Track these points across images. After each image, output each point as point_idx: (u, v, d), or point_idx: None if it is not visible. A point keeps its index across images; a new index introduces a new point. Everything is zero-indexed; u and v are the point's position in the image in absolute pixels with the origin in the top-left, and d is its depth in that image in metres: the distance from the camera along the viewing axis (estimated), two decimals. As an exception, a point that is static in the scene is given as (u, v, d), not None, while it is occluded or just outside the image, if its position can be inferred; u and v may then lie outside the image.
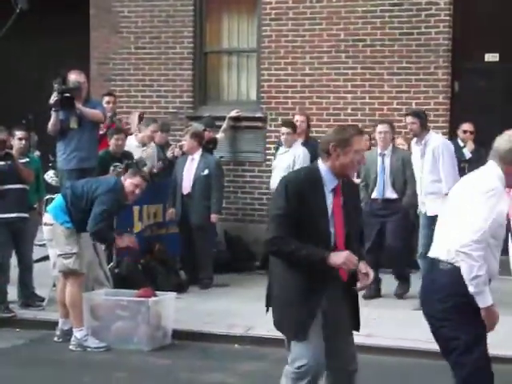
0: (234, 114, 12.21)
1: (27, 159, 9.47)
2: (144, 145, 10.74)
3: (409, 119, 9.25)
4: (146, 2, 12.85)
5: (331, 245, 4.81)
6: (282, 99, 12.27)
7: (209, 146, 11.26)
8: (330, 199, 4.81)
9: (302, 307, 4.79)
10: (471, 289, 4.56)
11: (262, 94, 12.45)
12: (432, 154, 9.01)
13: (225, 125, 12.08)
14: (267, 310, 5.05)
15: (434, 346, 7.45)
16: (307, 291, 4.79)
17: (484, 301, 4.60)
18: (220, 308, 9.19)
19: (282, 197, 4.74)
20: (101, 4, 12.97)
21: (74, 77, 9.44)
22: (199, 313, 8.98)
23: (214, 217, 10.39)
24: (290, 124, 11.10)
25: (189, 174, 10.44)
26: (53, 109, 9.31)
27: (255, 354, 7.87)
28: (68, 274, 7.90)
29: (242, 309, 9.14)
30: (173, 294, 8.33)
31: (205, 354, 7.90)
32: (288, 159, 10.72)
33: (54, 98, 9.28)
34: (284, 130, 10.95)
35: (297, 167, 10.91)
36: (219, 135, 11.88)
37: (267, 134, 12.21)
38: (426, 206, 9.03)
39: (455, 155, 9.56)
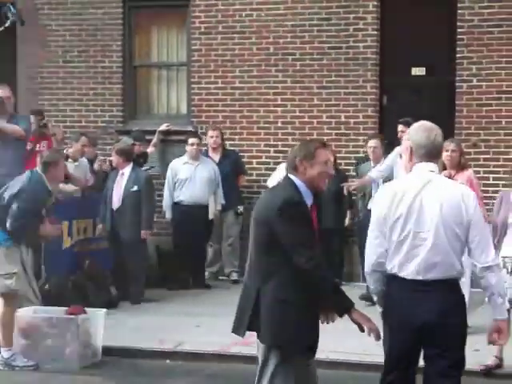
0: (164, 127, 12.17)
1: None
2: (75, 160, 10.61)
3: (401, 128, 9.51)
4: (74, 16, 12.73)
5: None
6: (213, 113, 12.26)
7: (139, 160, 11.19)
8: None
9: (313, 329, 4.83)
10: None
11: (193, 108, 12.43)
12: None
13: (155, 139, 12.03)
14: (242, 331, 4.90)
15: (367, 359, 7.64)
16: (314, 318, 4.86)
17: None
18: (151, 323, 9.10)
19: (293, 217, 4.69)
20: (28, 17, 12.77)
21: (-3, 91, 9.29)
22: (130, 329, 8.89)
23: (144, 233, 10.31)
24: (197, 135, 11.38)
25: (118, 188, 10.35)
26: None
27: (186, 369, 7.81)
28: (7, 294, 7.73)
29: (172, 324, 9.07)
30: (102, 311, 8.21)
31: (136, 370, 7.81)
32: (206, 171, 11.02)
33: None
34: (194, 140, 11.09)
35: (218, 179, 11.07)
36: (149, 149, 11.82)
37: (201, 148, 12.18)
38: None
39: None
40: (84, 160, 10.79)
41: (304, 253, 4.65)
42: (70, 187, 10.29)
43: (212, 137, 11.48)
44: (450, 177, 7.84)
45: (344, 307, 4.75)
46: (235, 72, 12.15)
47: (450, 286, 4.60)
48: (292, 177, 4.87)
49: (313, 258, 4.66)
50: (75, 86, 12.76)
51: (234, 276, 11.38)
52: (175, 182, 11.14)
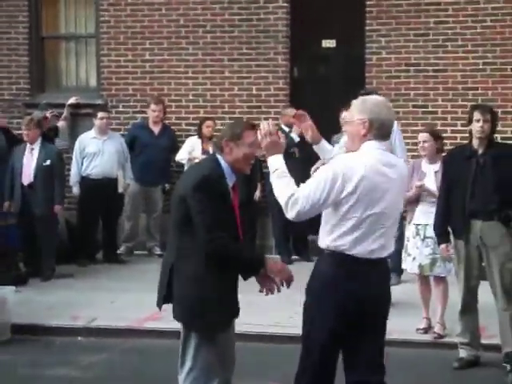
0: (73, 100, 11.94)
1: None
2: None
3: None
4: (-22, -14, 12.37)
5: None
6: (123, 86, 12.09)
7: (50, 133, 10.97)
8: (231, 196, 4.87)
9: (225, 308, 4.80)
10: None
11: (102, 81, 12.23)
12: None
13: (65, 112, 11.79)
14: (161, 304, 4.89)
15: (276, 330, 7.70)
16: (229, 292, 4.82)
17: None
18: (62, 300, 8.97)
19: (207, 196, 4.67)
20: None
21: None
22: (40, 305, 8.74)
23: (57, 208, 10.14)
24: (106, 108, 11.29)
25: (29, 163, 10.14)
26: None
27: (99, 345, 7.74)
28: None
29: (84, 300, 8.96)
30: (11, 288, 8.06)
31: (47, 347, 7.71)
32: (115, 146, 10.95)
33: None
34: (103, 114, 10.99)
35: (126, 153, 10.98)
36: (60, 123, 11.59)
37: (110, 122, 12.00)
38: None
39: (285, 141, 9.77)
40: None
41: (205, 235, 4.63)
42: None
43: (154, 111, 11.32)
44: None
45: (257, 263, 4.76)
46: (145, 44, 12.00)
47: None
48: (218, 156, 4.87)
49: (212, 240, 4.62)
50: (-20, 58, 12.42)
51: (157, 250, 11.32)
52: (83, 156, 10.98)
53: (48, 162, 10.09)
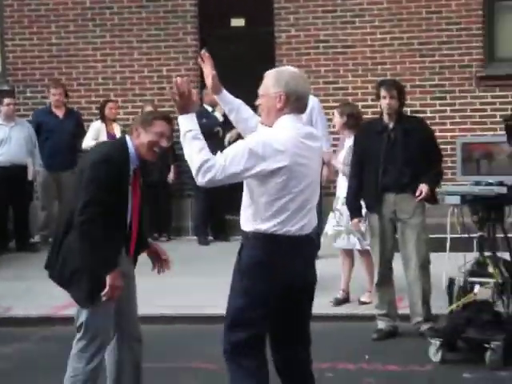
0: (-24, 86, 11.67)
1: None
2: None
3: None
4: None
5: (127, 228, 4.91)
6: (30, 70, 11.87)
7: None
8: (130, 179, 4.89)
9: (97, 276, 4.81)
10: None
11: (8, 66, 11.97)
12: (310, 115, 8.68)
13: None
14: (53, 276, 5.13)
15: (200, 311, 7.70)
16: (102, 260, 4.82)
17: None
18: (-24, 291, 8.78)
19: (100, 174, 4.74)
20: None
21: None
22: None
23: None
24: (13, 94, 11.07)
25: None
26: None
27: (16, 335, 7.60)
28: None
29: (0, 290, 8.77)
30: None
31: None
32: (23, 132, 10.75)
33: None
34: (9, 100, 10.75)
35: (34, 139, 10.83)
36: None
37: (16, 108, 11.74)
38: None
39: (206, 121, 9.82)
40: None
41: (80, 208, 4.72)
42: None
43: (55, 95, 11.10)
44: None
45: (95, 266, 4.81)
46: (51, 28, 11.79)
47: None
48: (127, 138, 4.95)
49: (83, 213, 4.71)
50: None
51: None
52: None
53: None
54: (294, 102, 4.38)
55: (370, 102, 10.53)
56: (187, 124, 4.34)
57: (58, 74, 11.78)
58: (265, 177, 4.29)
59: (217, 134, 10.41)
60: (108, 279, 4.77)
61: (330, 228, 7.94)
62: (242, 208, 4.49)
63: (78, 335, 4.98)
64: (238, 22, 11.68)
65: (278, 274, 4.38)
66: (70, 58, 11.78)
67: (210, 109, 10.80)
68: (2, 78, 12.00)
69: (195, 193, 10.75)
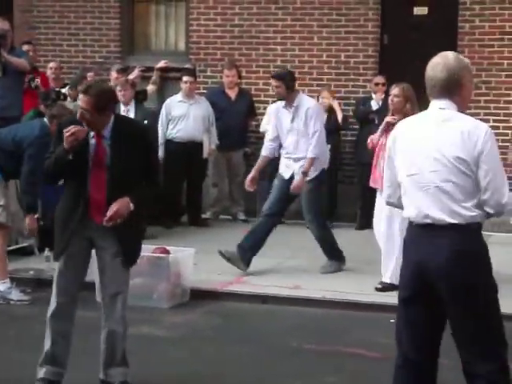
0: (162, 64, 11.99)
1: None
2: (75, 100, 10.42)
3: (273, 82, 8.62)
4: None
5: (87, 186, 5.22)
6: (211, 50, 12.13)
7: (139, 97, 11.07)
8: (92, 141, 5.22)
9: (64, 230, 5.28)
10: None
11: (191, 45, 12.28)
12: (304, 117, 8.45)
13: (154, 76, 11.85)
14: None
15: (361, 298, 7.68)
16: (68, 217, 5.26)
17: None
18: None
19: (55, 139, 5.35)
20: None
21: (-3, 24, 9.22)
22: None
23: None
24: (192, 72, 11.22)
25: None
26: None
27: (182, 307, 7.80)
28: None
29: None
30: (192, 250, 8.00)
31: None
32: (201, 110, 10.91)
33: (-23, 45, 9.04)
34: (188, 78, 10.94)
35: (212, 118, 11.01)
36: (149, 87, 11.66)
37: (196, 86, 12.06)
38: (291, 169, 8.58)
39: (362, 108, 10.37)
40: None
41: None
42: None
43: (228, 76, 11.32)
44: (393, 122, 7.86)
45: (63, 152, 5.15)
46: (235, 9, 11.99)
47: None
48: None
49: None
50: (72, 20, 12.59)
51: (241, 216, 11.41)
52: (169, 119, 11.03)
53: (145, 123, 10.23)
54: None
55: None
56: None
57: (238, 55, 11.99)
58: None
59: (372, 121, 10.52)
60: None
61: None
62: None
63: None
64: (420, 11, 11.50)
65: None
66: (251, 40, 11.96)
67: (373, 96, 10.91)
68: (185, 56, 12.32)
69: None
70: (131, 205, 5.15)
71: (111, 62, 12.41)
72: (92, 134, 5.19)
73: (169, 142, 10.98)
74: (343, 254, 8.68)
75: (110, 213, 5.10)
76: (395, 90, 7.82)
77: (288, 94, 8.46)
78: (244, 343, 6.66)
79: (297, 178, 8.43)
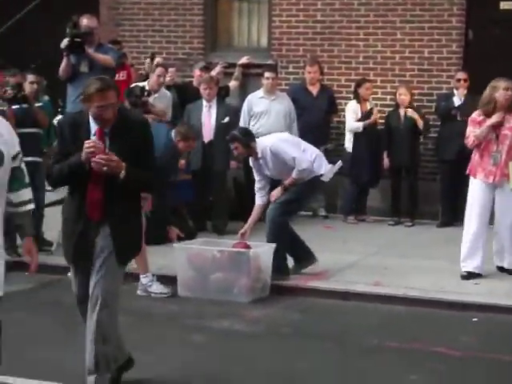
0: (244, 60, 12.05)
1: (40, 103, 9.42)
2: (155, 91, 10.56)
3: (232, 145, 8.43)
4: None
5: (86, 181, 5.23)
6: (293, 46, 12.14)
7: (221, 93, 11.16)
8: (93, 138, 5.21)
9: (69, 238, 5.35)
10: None
11: (273, 41, 12.31)
12: (274, 157, 8.22)
13: (236, 72, 11.93)
14: None
15: (441, 296, 7.61)
16: (72, 223, 5.33)
17: None
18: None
19: (59, 138, 5.53)
20: None
21: (85, 21, 9.40)
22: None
23: (234, 163, 10.54)
24: (273, 68, 11.23)
25: (209, 121, 10.43)
26: (64, 53, 9.26)
27: (259, 302, 7.85)
28: None
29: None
30: (272, 245, 8.00)
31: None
32: (282, 106, 10.89)
33: (65, 42, 9.23)
34: (269, 74, 10.95)
35: (293, 115, 10.98)
36: (231, 83, 11.74)
37: (278, 82, 12.08)
38: None
39: (444, 104, 10.57)
40: (165, 92, 10.77)
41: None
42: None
43: (310, 72, 11.31)
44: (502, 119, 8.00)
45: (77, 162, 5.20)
46: (317, 5, 11.97)
47: None
48: None
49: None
50: (156, 17, 12.75)
51: (322, 212, 11.42)
52: (251, 115, 11.08)
53: (226, 120, 10.34)
54: None
55: None
56: None
57: (320, 51, 11.96)
58: None
59: (454, 117, 10.52)
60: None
61: None
62: None
63: None
64: (507, 5, 11.28)
65: None
66: (333, 36, 11.92)
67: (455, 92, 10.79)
68: (267, 52, 12.36)
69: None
70: (123, 172, 5.11)
71: (194, 58, 12.55)
72: (94, 130, 5.21)
73: (251, 139, 11.05)
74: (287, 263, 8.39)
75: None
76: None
77: (248, 150, 8.31)
78: (324, 340, 6.68)
79: (278, 189, 8.31)
